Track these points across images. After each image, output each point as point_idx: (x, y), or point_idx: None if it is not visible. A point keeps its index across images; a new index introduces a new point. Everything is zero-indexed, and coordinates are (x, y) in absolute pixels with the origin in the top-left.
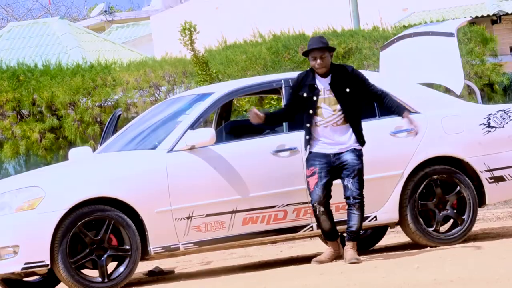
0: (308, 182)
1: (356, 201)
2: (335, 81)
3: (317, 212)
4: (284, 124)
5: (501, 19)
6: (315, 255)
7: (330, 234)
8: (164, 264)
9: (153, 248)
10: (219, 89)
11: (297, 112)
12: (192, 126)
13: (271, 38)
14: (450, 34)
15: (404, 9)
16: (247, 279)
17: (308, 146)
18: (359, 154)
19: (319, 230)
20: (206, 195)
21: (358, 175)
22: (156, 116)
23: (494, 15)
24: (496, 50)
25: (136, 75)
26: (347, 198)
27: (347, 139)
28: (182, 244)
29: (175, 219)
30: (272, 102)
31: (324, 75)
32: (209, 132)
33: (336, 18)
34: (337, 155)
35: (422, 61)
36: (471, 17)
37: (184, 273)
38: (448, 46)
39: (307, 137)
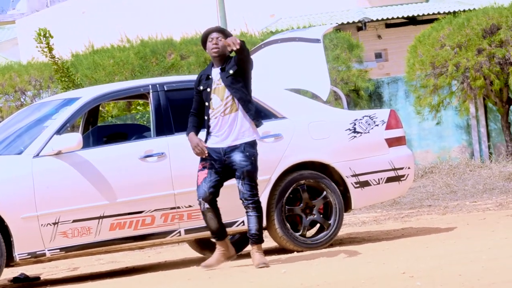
0: (197, 176)
1: (249, 203)
2: (224, 68)
3: (202, 208)
4: (152, 129)
5: (366, 26)
6: (182, 261)
7: (218, 234)
8: (30, 270)
9: (18, 254)
10: (86, 94)
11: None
12: (59, 131)
13: (138, 43)
14: (317, 40)
15: (271, 15)
16: (114, 285)
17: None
18: (249, 155)
19: (187, 236)
20: (72, 201)
21: (248, 176)
22: (22, 121)
23: (359, 21)
24: (361, 56)
25: (1, 79)
26: (241, 200)
27: (237, 130)
28: (49, 250)
29: (41, 224)
30: (138, 107)
31: (218, 64)
32: (76, 137)
33: (204, 23)
34: (228, 153)
35: (289, 67)
36: (337, 23)
37: (50, 279)
38: (314, 52)
39: (206, 130)
